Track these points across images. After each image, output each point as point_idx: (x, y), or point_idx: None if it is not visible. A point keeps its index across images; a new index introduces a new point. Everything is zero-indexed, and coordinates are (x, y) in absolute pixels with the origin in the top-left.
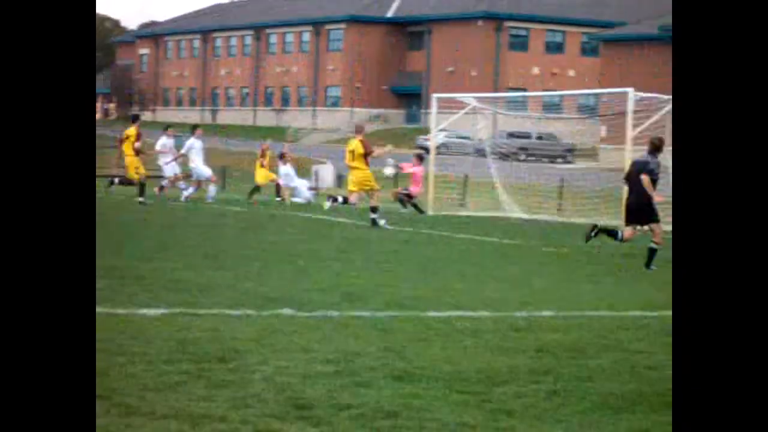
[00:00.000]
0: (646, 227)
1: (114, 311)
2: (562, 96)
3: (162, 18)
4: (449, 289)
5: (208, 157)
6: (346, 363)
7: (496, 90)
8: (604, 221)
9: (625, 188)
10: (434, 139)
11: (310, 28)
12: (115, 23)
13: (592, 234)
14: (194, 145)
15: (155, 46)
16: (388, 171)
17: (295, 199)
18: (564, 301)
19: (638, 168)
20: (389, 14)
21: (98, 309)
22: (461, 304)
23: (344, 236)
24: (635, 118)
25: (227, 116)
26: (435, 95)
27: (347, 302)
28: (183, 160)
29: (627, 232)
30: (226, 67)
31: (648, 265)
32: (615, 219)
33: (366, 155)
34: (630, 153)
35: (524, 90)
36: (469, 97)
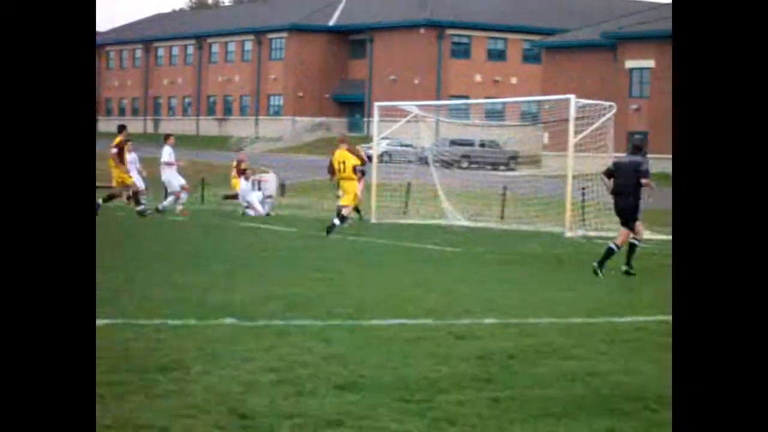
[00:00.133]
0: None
1: None
2: (504, 103)
3: (104, 28)
4: (391, 297)
5: (148, 167)
6: (289, 372)
7: (438, 98)
8: (547, 228)
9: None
10: (377, 147)
11: (252, 37)
12: None
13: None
14: (171, 153)
15: (97, 56)
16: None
17: (249, 213)
18: (506, 308)
19: (634, 169)
20: (331, 23)
21: None
22: (403, 312)
23: (287, 245)
24: (577, 125)
25: (170, 126)
26: (377, 103)
27: (289, 311)
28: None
29: (622, 236)
30: (168, 76)
31: (601, 263)
32: (557, 226)
33: (362, 164)
34: (572, 160)
35: (467, 97)
36: (411, 105)
